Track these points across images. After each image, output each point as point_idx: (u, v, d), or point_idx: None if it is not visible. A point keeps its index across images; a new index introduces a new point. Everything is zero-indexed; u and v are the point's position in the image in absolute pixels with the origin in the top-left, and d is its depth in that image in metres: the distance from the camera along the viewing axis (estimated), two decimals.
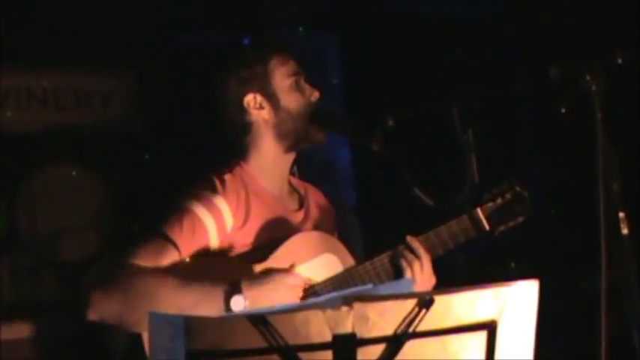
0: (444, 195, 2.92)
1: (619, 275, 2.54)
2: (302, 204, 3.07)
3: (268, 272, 2.76)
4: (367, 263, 2.89)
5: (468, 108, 2.91)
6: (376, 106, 4.60)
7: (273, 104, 2.95)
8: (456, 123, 2.89)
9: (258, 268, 2.81)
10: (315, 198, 3.13)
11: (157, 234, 2.77)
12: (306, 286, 2.84)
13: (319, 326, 1.91)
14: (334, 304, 1.92)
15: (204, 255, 2.82)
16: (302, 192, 3.10)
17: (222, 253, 2.85)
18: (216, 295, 2.66)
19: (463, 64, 5.04)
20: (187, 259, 2.78)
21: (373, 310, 1.93)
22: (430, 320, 1.94)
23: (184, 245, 2.77)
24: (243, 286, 2.67)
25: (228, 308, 2.64)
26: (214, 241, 2.83)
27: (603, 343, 2.51)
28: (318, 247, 2.91)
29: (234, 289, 2.66)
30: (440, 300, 1.95)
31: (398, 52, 4.96)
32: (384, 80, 4.90)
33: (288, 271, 2.78)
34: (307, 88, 2.99)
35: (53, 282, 4.43)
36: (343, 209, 4.83)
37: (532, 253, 4.61)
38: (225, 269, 2.80)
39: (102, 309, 2.66)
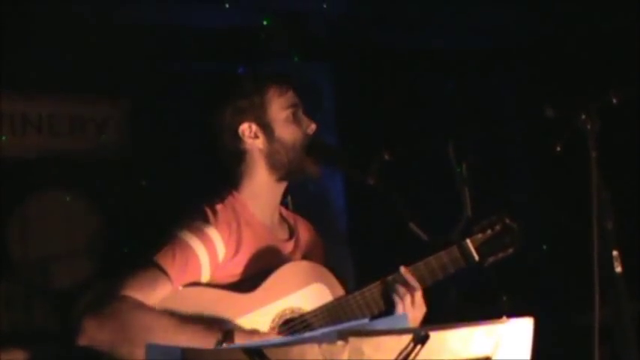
0: (439, 228, 2.94)
1: (612, 313, 2.55)
2: (292, 234, 3.07)
3: (261, 332, 2.78)
4: (357, 293, 2.90)
5: (463, 143, 2.93)
6: (370, 136, 4.62)
7: (267, 134, 2.96)
8: (450, 157, 2.91)
9: (250, 297, 2.82)
10: (305, 229, 3.14)
11: (150, 264, 2.78)
12: (296, 316, 2.85)
13: None
14: (330, 338, 1.93)
15: (196, 285, 2.83)
16: (292, 222, 3.11)
17: (214, 283, 2.85)
18: (209, 340, 2.67)
19: (458, 98, 5.07)
20: (180, 289, 2.79)
21: (368, 344, 1.94)
22: (425, 356, 1.95)
23: (176, 276, 2.78)
24: (236, 336, 2.68)
25: None
26: (206, 272, 2.83)
27: None
28: (307, 277, 2.91)
29: (226, 337, 2.68)
30: (435, 336, 1.96)
31: (392, 83, 4.98)
32: (378, 110, 4.92)
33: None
34: (304, 120, 3.00)
35: (46, 309, 4.42)
36: (335, 239, 4.84)
37: (524, 289, 4.62)
38: (217, 301, 2.81)
39: (93, 336, 2.67)
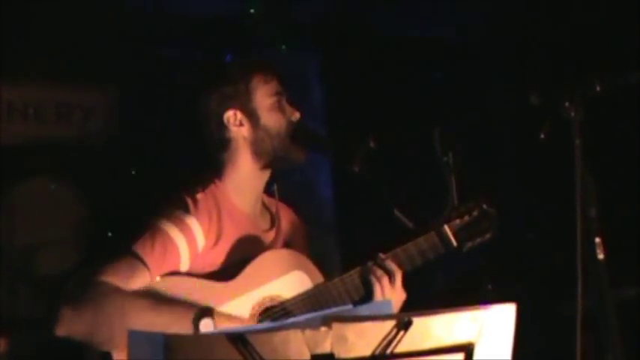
0: (424, 216, 2.95)
1: (594, 300, 2.56)
2: (273, 223, 3.08)
3: (243, 318, 2.79)
4: (337, 280, 2.91)
5: (449, 131, 2.94)
6: (357, 125, 4.62)
7: (252, 122, 2.97)
8: (436, 145, 2.92)
9: (229, 285, 2.82)
10: (287, 217, 3.14)
11: (129, 253, 2.77)
12: (276, 303, 2.86)
13: (298, 346, 1.92)
14: (313, 324, 1.93)
15: (175, 274, 2.83)
16: (273, 211, 3.11)
17: (193, 273, 2.85)
18: (188, 317, 2.67)
19: (444, 86, 5.07)
20: (158, 279, 2.79)
21: (352, 330, 1.94)
22: (408, 341, 1.96)
23: (155, 265, 2.77)
24: (216, 313, 2.69)
25: (196, 330, 2.65)
26: (185, 262, 2.84)
27: None
28: (287, 265, 2.92)
29: (206, 312, 2.67)
30: (418, 322, 1.96)
31: (379, 73, 4.98)
32: (365, 99, 4.92)
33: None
34: (288, 108, 3.00)
35: (31, 296, 4.41)
36: (322, 228, 4.84)
37: (509, 276, 4.64)
38: (195, 290, 2.80)
39: (70, 325, 2.66)
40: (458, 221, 2.97)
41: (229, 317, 2.73)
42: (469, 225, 2.98)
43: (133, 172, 4.65)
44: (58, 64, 4.53)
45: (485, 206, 2.99)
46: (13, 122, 4.59)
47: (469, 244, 2.99)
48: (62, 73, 4.61)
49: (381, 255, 2.92)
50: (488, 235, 3.00)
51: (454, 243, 2.96)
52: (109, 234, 4.40)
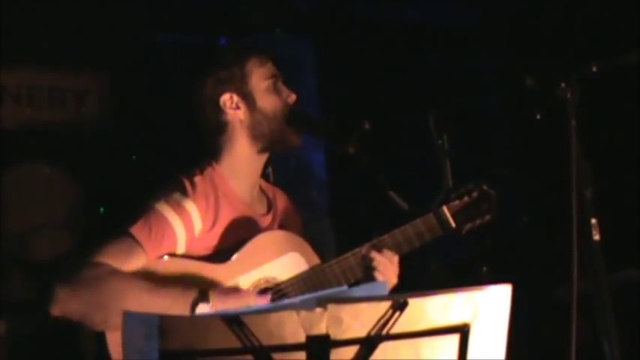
0: (419, 199, 2.95)
1: (590, 283, 2.55)
2: (270, 208, 3.08)
3: (238, 288, 2.78)
4: (333, 262, 2.91)
5: (444, 114, 2.93)
6: (352, 109, 4.62)
7: (249, 105, 2.96)
8: (431, 129, 2.91)
9: (225, 267, 2.82)
10: (283, 203, 3.15)
11: (126, 235, 2.77)
12: (272, 285, 2.85)
13: (293, 327, 1.92)
14: (308, 306, 1.93)
15: (171, 256, 2.83)
16: (270, 196, 3.11)
17: (188, 255, 2.85)
18: (185, 301, 2.67)
19: (439, 69, 5.07)
20: (153, 261, 2.78)
21: (347, 311, 1.94)
22: (404, 323, 1.95)
23: (152, 248, 2.77)
24: (211, 295, 2.68)
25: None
26: (182, 245, 2.83)
27: (573, 352, 2.52)
28: (283, 246, 2.92)
29: (202, 297, 2.67)
30: (414, 303, 1.96)
31: (374, 57, 4.98)
32: (360, 83, 4.92)
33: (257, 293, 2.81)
34: (284, 90, 3.00)
35: (24, 281, 4.41)
36: (316, 213, 4.84)
37: (504, 259, 4.64)
38: (191, 271, 2.80)
39: (66, 305, 2.66)
40: (457, 202, 2.95)
41: (227, 294, 2.72)
42: (469, 206, 2.96)
43: (134, 158, 4.64)
44: (51, 49, 4.52)
45: (485, 187, 2.98)
46: (5, 106, 4.57)
47: (468, 226, 2.96)
48: (56, 58, 4.60)
49: (378, 237, 2.91)
50: (488, 217, 2.97)
51: (452, 224, 2.94)
52: (101, 210, 4.40)
